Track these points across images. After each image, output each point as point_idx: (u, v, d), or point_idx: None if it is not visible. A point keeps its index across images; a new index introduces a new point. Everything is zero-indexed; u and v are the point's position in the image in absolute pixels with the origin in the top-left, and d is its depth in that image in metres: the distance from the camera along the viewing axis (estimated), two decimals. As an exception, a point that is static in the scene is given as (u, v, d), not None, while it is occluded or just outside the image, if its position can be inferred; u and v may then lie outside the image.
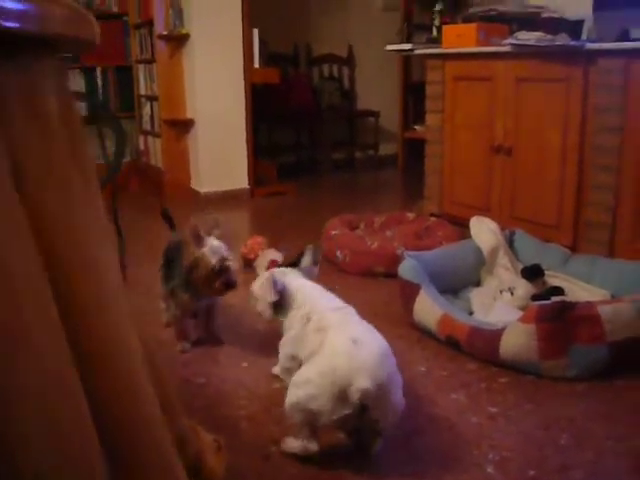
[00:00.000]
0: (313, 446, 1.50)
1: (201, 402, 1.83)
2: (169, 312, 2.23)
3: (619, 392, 1.84)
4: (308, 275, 1.88)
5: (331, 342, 1.49)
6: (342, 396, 1.38)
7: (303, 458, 1.52)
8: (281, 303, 1.78)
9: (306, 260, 1.91)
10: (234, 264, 2.03)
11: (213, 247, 2.01)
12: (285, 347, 1.76)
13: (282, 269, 1.87)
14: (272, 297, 1.76)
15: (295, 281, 1.82)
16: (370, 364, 1.40)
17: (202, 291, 2.06)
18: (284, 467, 1.52)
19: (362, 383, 1.35)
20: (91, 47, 0.80)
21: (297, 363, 1.65)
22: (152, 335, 2.28)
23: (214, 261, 1.98)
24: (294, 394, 1.48)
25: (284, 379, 1.76)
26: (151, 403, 0.78)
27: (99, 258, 0.73)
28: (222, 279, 2.00)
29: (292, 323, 1.73)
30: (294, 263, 1.92)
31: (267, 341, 2.22)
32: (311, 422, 1.46)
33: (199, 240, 2.01)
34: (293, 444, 1.53)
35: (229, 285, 2.01)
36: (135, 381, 0.75)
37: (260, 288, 1.81)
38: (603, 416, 1.71)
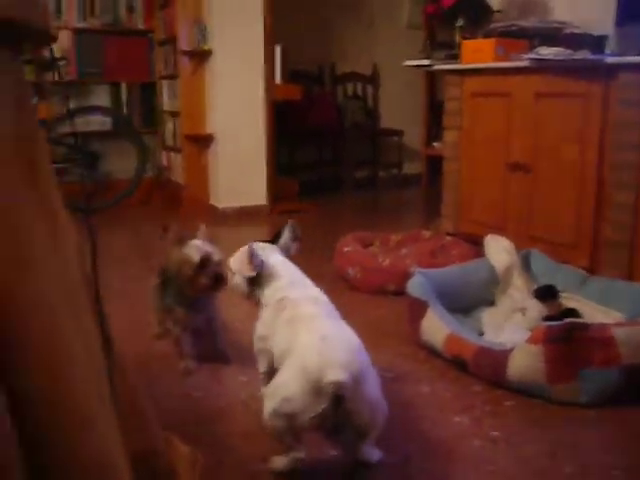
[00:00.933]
0: (299, 453, 1.45)
1: (196, 417, 1.78)
2: (161, 325, 2.22)
3: (630, 420, 1.75)
4: (285, 251, 1.84)
5: (300, 343, 1.47)
6: (316, 392, 1.36)
7: (292, 475, 1.46)
8: (258, 279, 1.74)
9: (285, 236, 1.86)
10: (219, 258, 1.98)
11: (196, 245, 1.99)
12: (258, 328, 1.74)
13: (260, 244, 1.82)
14: (249, 272, 1.73)
15: (273, 258, 1.78)
16: (341, 356, 1.38)
17: (191, 291, 2.01)
18: (271, 486, 1.46)
19: (334, 375, 1.32)
20: (43, 38, 0.76)
21: (268, 345, 1.66)
22: (149, 346, 2.25)
23: (197, 257, 1.95)
24: (269, 405, 1.44)
25: (259, 366, 1.76)
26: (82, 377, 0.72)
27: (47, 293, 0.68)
28: (208, 272, 1.96)
29: (268, 302, 1.71)
30: (273, 240, 1.87)
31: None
32: (291, 427, 1.42)
33: (182, 242, 1.99)
34: (280, 461, 1.49)
35: (217, 279, 1.95)
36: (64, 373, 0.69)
37: (237, 261, 1.77)
38: (612, 445, 1.62)
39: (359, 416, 1.40)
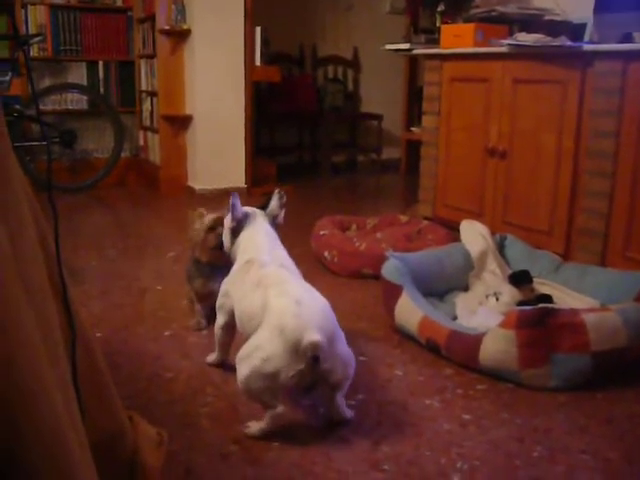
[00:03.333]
0: (280, 409, 1.52)
1: (165, 397, 1.77)
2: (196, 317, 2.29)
3: (600, 405, 1.76)
4: (273, 218, 1.92)
5: (276, 306, 1.54)
6: (294, 352, 1.45)
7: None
8: (235, 233, 1.87)
9: (273, 203, 1.93)
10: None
11: (209, 218, 2.19)
12: (222, 285, 1.85)
13: (250, 207, 1.93)
14: (230, 223, 1.86)
15: (256, 222, 1.87)
16: (316, 320, 1.49)
17: (203, 255, 2.19)
18: (242, 467, 1.46)
19: (312, 337, 1.43)
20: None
21: (229, 302, 1.78)
22: (122, 327, 2.23)
23: (207, 220, 2.17)
24: (246, 366, 1.52)
25: (217, 321, 1.86)
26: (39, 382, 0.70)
27: None
28: (216, 233, 2.12)
29: (238, 261, 1.83)
30: (262, 206, 1.94)
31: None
32: (270, 387, 1.49)
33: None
34: (257, 425, 1.56)
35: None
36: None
37: (226, 219, 1.91)
38: (581, 429, 1.64)
39: (334, 373, 1.51)
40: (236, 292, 1.75)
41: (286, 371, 1.46)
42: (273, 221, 1.91)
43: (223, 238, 1.94)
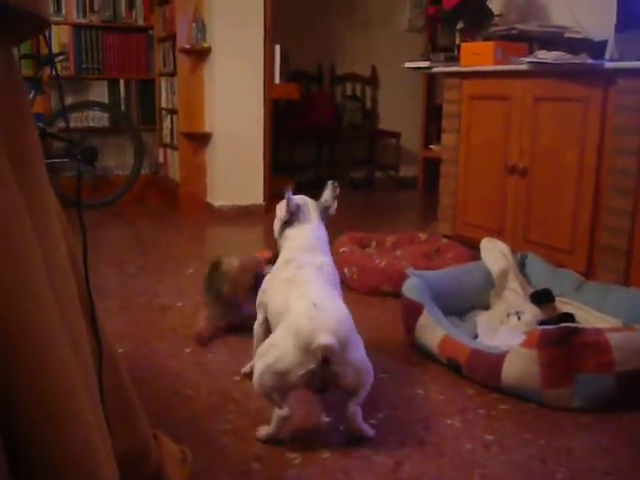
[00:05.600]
0: (285, 412, 1.57)
1: (186, 414, 1.77)
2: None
3: (624, 426, 1.74)
4: (325, 210, 1.96)
5: (294, 307, 1.60)
6: (306, 352, 1.50)
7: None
8: (286, 226, 1.89)
9: (326, 194, 1.97)
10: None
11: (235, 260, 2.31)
12: (264, 282, 1.89)
13: (304, 196, 1.95)
14: (284, 215, 1.88)
15: (308, 216, 1.89)
16: (330, 324, 1.53)
17: (243, 298, 2.26)
18: (262, 486, 1.45)
19: (323, 339, 1.46)
20: (38, 24, 0.73)
21: (265, 299, 1.83)
22: (143, 344, 2.24)
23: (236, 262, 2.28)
24: (261, 363, 1.57)
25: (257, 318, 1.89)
26: (70, 384, 0.71)
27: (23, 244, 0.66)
28: (251, 274, 2.24)
29: (280, 259, 1.86)
30: (316, 197, 1.98)
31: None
32: (281, 385, 1.55)
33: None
34: (265, 429, 1.61)
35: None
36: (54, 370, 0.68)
37: (280, 205, 1.92)
38: (605, 450, 1.61)
39: (344, 377, 1.54)
40: (271, 288, 1.81)
41: (296, 370, 1.51)
42: (325, 211, 1.95)
43: (274, 227, 1.95)
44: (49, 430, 0.65)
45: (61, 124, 4.60)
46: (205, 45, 4.52)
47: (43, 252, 0.69)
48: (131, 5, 5.09)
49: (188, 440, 1.56)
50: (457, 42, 3.71)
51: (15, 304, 0.63)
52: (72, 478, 0.65)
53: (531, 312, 2.25)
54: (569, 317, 2.19)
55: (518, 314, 2.26)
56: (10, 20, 0.70)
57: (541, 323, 2.13)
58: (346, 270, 2.93)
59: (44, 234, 0.72)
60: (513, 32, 3.26)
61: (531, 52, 3.11)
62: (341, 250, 3.03)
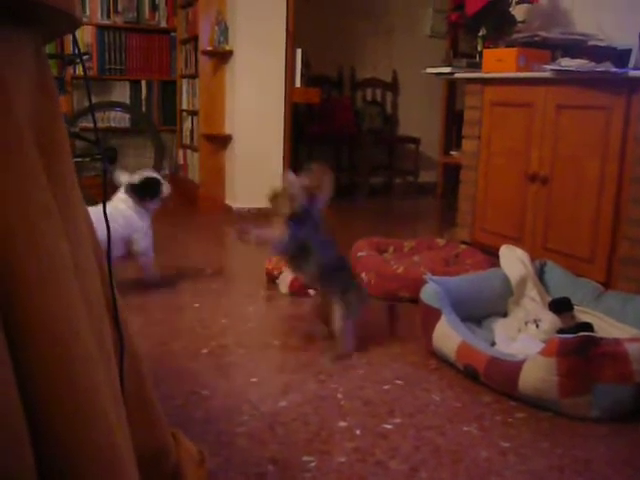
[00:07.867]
0: None
1: (202, 415, 1.77)
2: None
3: (643, 437, 1.72)
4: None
5: None
6: None
7: None
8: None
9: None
10: None
11: None
12: None
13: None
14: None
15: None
16: None
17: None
18: (277, 489, 1.45)
19: None
20: (68, 21, 0.74)
21: None
22: (160, 344, 2.25)
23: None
24: None
25: None
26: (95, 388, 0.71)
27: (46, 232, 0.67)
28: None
29: None
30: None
31: (280, 358, 2.17)
32: None
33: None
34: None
35: None
36: (76, 368, 0.69)
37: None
38: (623, 461, 1.60)
39: None
40: None
41: None
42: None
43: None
44: (72, 427, 0.65)
45: (83, 124, 4.64)
46: (227, 47, 4.55)
47: (71, 247, 0.70)
48: (154, 7, 5.14)
49: (203, 441, 1.57)
50: (479, 48, 3.70)
51: (39, 300, 0.64)
52: (95, 476, 0.66)
53: (549, 320, 2.23)
54: (587, 326, 2.17)
55: (536, 322, 2.24)
56: (44, 18, 0.71)
57: (560, 332, 2.12)
58: (363, 275, 2.92)
59: (72, 230, 0.73)
60: (536, 39, 3.25)
61: (554, 59, 3.10)
62: (359, 255, 3.03)
